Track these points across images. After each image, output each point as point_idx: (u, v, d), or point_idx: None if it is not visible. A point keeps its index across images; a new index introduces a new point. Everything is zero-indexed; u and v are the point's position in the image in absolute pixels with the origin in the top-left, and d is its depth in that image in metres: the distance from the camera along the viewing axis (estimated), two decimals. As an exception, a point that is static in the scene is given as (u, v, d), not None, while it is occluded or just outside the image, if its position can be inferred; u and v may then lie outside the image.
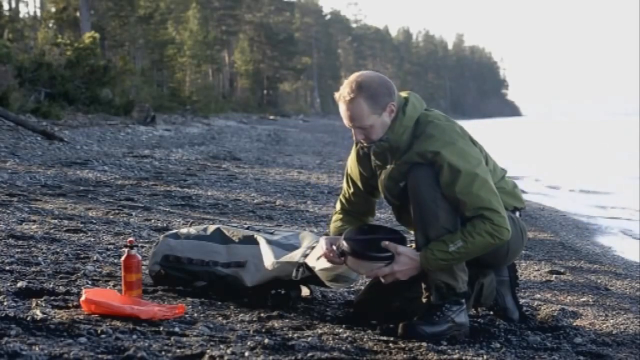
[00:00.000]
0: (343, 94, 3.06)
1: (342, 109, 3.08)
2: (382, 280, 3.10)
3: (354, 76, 3.10)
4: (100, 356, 2.42)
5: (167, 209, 6.58)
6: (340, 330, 3.07)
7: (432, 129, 3.05)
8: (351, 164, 3.34)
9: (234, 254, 3.56)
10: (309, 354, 2.66)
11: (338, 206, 3.42)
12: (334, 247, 3.15)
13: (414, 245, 3.15)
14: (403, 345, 2.91)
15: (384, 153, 3.16)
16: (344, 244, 3.09)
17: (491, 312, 3.49)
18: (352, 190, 3.35)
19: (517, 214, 3.31)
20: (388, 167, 3.15)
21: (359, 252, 3.08)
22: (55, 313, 2.90)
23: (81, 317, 2.88)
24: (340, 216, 3.38)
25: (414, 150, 3.05)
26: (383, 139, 3.09)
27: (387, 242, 3.09)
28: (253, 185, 9.18)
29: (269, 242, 3.54)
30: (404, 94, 3.18)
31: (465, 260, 3.07)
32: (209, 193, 8.04)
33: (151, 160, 11.47)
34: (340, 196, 3.43)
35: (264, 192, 8.57)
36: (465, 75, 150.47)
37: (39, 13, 44.03)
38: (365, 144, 3.16)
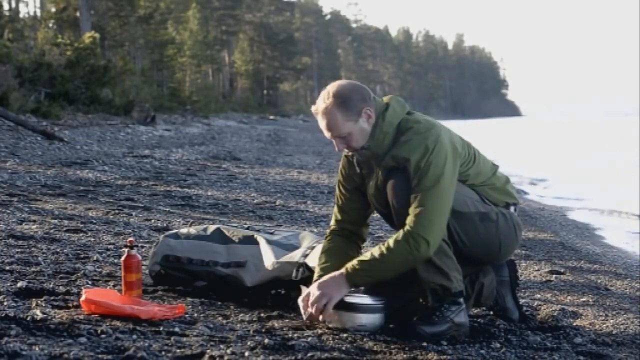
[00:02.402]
0: (317, 105, 3.07)
1: (319, 120, 3.08)
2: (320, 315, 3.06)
3: (327, 87, 3.11)
4: (100, 356, 2.42)
5: (167, 209, 6.58)
6: (340, 330, 3.07)
7: (408, 135, 3.03)
8: (342, 170, 3.32)
9: (234, 254, 3.56)
10: (309, 354, 2.65)
11: (332, 223, 3.33)
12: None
13: None
14: (403, 345, 2.91)
15: (368, 161, 3.14)
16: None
17: (491, 312, 3.49)
18: (348, 195, 3.29)
19: (512, 209, 3.30)
20: (373, 174, 3.14)
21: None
22: (55, 313, 2.89)
23: (81, 317, 2.88)
24: (330, 237, 3.29)
25: (389, 156, 3.05)
26: (365, 146, 3.08)
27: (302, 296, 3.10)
28: (253, 185, 9.18)
29: (269, 242, 3.54)
30: (385, 99, 3.16)
31: (388, 271, 3.02)
32: (209, 193, 8.04)
33: (151, 160, 11.48)
34: (334, 210, 3.35)
35: (264, 192, 8.57)
36: (465, 75, 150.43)
37: (39, 13, 44.02)
38: (348, 153, 3.15)
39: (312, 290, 3.06)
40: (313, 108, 3.10)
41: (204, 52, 50.80)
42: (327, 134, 3.09)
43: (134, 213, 6.10)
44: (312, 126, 39.99)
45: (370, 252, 3.03)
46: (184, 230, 3.76)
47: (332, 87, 3.09)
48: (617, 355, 3.03)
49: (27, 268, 3.74)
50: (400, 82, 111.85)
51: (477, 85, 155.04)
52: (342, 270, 3.05)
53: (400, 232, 2.98)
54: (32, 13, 46.67)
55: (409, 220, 2.97)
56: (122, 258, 3.26)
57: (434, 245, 2.97)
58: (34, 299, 3.09)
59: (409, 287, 3.21)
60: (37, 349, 2.40)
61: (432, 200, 2.96)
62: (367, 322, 3.03)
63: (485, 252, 3.16)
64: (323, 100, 3.05)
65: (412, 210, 2.97)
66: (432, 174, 2.97)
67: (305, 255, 3.36)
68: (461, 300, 3.11)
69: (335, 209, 3.35)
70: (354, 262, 3.04)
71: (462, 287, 3.12)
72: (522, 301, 3.68)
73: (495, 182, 3.25)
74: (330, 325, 3.06)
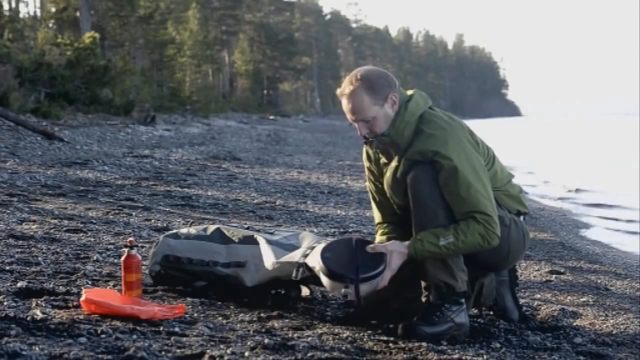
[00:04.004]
0: (343, 88, 3.10)
1: (344, 103, 3.10)
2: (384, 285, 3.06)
3: (354, 71, 3.14)
4: (100, 356, 2.42)
5: (167, 209, 6.58)
6: (340, 330, 3.07)
7: (433, 128, 3.06)
8: (365, 162, 3.35)
9: (234, 254, 3.55)
10: (309, 354, 2.66)
11: (376, 217, 3.35)
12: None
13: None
14: (403, 345, 2.91)
15: (387, 149, 3.16)
16: (346, 278, 2.99)
17: (491, 312, 3.49)
18: (374, 188, 3.32)
19: (522, 217, 3.31)
20: (392, 164, 3.15)
21: (357, 279, 3.00)
22: (55, 313, 2.90)
23: (81, 317, 2.88)
24: (382, 230, 3.30)
25: (415, 149, 3.05)
26: (385, 133, 3.09)
27: (371, 247, 3.07)
28: (253, 185, 9.18)
29: (269, 242, 3.53)
30: (409, 91, 3.19)
31: (451, 256, 3.05)
32: (209, 193, 8.04)
33: (151, 160, 11.47)
34: (373, 209, 3.36)
35: (264, 192, 8.57)
36: (465, 75, 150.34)
37: (39, 13, 44.00)
38: (370, 138, 3.15)
39: (386, 275, 3.01)
40: (338, 91, 3.12)
41: (204, 52, 50.75)
42: (351, 117, 3.10)
43: (134, 213, 6.10)
44: (312, 126, 40.01)
45: (440, 235, 2.99)
46: (184, 230, 3.76)
47: (359, 71, 3.12)
48: (617, 355, 3.03)
49: (27, 268, 3.74)
50: (400, 82, 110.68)
51: (477, 85, 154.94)
52: (406, 250, 3.03)
53: (475, 225, 2.99)
54: (32, 13, 46.70)
55: (477, 217, 2.98)
56: (122, 258, 3.26)
57: (499, 234, 3.02)
58: (34, 299, 3.09)
59: (410, 288, 3.22)
60: (37, 349, 2.40)
61: (481, 194, 3.00)
62: (368, 289, 3.03)
63: (493, 256, 3.17)
64: (350, 83, 3.07)
65: (469, 207, 2.99)
66: (468, 169, 3.00)
67: (305, 255, 3.36)
68: (463, 300, 3.11)
69: (374, 207, 3.36)
70: (424, 242, 3.00)
71: (466, 288, 3.13)
72: (522, 301, 3.68)
73: (509, 189, 3.27)
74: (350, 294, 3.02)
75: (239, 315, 3.18)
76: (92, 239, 4.80)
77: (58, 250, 4.31)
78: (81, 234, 4.94)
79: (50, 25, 35.82)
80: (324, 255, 3.07)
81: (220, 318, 3.11)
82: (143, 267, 3.53)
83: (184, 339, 2.72)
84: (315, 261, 3.14)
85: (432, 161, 3.02)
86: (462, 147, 3.04)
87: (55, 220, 5.35)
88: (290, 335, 2.91)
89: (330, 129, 36.73)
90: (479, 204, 3.00)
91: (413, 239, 3.05)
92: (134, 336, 2.69)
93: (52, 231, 4.92)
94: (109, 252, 4.40)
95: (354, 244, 3.11)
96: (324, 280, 3.07)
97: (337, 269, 3.02)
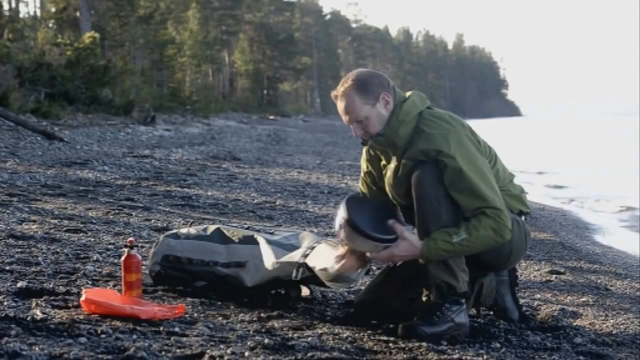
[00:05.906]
0: (336, 90, 3.14)
1: (338, 105, 3.14)
2: (375, 257, 3.12)
3: (347, 74, 3.17)
4: (100, 356, 2.42)
5: (167, 209, 6.58)
6: (340, 330, 3.07)
7: (434, 128, 3.06)
8: (363, 164, 3.35)
9: (234, 254, 3.56)
10: (309, 354, 2.66)
11: None
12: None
13: None
14: (403, 345, 2.91)
15: (384, 150, 3.16)
16: (344, 216, 3.04)
17: (491, 312, 3.49)
18: (369, 190, 3.32)
19: (523, 217, 3.31)
20: (391, 164, 3.15)
21: (360, 230, 3.03)
22: (55, 313, 2.90)
23: (81, 317, 2.88)
24: None
25: (417, 148, 3.05)
26: (380, 133, 3.10)
27: (393, 222, 3.08)
28: (253, 185, 9.18)
29: (269, 242, 3.54)
30: (408, 93, 3.19)
31: (466, 254, 3.05)
32: (209, 193, 8.04)
33: (151, 160, 11.48)
34: None
35: (264, 192, 8.57)
36: (465, 75, 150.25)
37: (39, 13, 43.98)
38: (365, 139, 3.16)
39: (384, 253, 3.06)
40: (333, 93, 3.15)
41: (204, 52, 50.71)
42: (345, 118, 3.13)
43: (134, 213, 6.10)
44: (312, 126, 40.00)
45: (452, 233, 3.00)
46: (184, 230, 3.76)
47: (351, 73, 3.16)
48: (617, 355, 3.03)
49: (27, 268, 3.74)
50: (400, 82, 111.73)
51: (477, 85, 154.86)
52: (419, 246, 3.03)
53: (486, 219, 2.99)
54: (32, 13, 46.60)
55: (486, 212, 2.99)
56: (122, 258, 3.26)
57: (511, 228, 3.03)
58: (34, 299, 3.09)
59: (410, 288, 3.22)
60: (37, 349, 2.40)
61: (489, 190, 3.01)
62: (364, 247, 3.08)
63: (495, 257, 3.17)
64: (342, 84, 3.12)
65: (478, 203, 3.00)
66: (472, 166, 3.01)
67: (305, 255, 3.36)
68: (463, 300, 3.11)
69: None
70: (437, 241, 3.00)
71: (467, 289, 3.13)
72: (522, 301, 3.69)
73: (511, 189, 3.27)
74: (343, 236, 3.06)
75: (239, 315, 3.18)
76: (92, 239, 4.80)
77: (58, 250, 4.31)
78: (81, 234, 4.94)
79: (50, 25, 35.83)
80: (356, 214, 3.06)
81: (220, 318, 3.11)
82: (143, 267, 3.53)
83: (184, 339, 2.72)
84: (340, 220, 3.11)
85: (435, 160, 3.03)
86: (464, 145, 3.04)
87: (55, 220, 5.35)
88: (290, 335, 2.91)
89: (330, 129, 36.71)
90: (488, 199, 3.00)
91: (426, 239, 3.04)
92: (134, 336, 2.69)
93: (52, 231, 4.92)
94: (109, 252, 4.40)
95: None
96: (354, 238, 3.05)
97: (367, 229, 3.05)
